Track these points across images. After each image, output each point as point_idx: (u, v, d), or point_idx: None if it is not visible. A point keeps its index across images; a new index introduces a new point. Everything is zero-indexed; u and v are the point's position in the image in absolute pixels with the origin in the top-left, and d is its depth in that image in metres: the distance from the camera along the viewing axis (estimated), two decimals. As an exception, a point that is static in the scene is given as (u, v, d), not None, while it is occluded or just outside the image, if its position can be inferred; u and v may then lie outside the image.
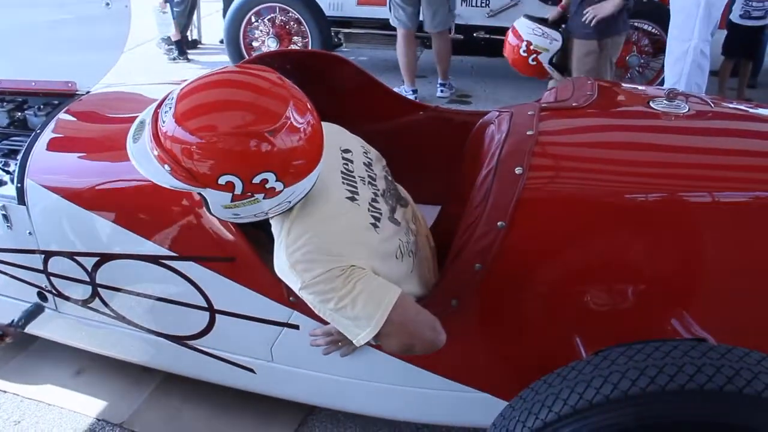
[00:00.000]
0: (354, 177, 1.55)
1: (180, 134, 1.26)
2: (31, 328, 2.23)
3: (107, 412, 2.18)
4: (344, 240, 1.43)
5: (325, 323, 1.71)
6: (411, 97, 4.83)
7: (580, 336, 1.57)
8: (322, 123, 1.39)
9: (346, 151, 1.62)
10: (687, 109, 1.69)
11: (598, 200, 1.51)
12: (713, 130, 1.69)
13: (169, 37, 6.54)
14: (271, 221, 1.47)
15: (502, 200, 1.49)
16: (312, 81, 2.28)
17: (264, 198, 1.31)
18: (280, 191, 1.31)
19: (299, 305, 1.71)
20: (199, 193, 1.33)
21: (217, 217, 1.43)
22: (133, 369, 2.28)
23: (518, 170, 1.50)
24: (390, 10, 4.89)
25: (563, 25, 3.96)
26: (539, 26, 3.89)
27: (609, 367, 1.20)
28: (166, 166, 1.29)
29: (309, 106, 1.34)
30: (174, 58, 6.51)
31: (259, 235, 1.81)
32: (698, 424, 1.13)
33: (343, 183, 1.51)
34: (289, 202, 1.36)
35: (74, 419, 2.16)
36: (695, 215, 1.50)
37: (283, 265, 1.40)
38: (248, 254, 1.70)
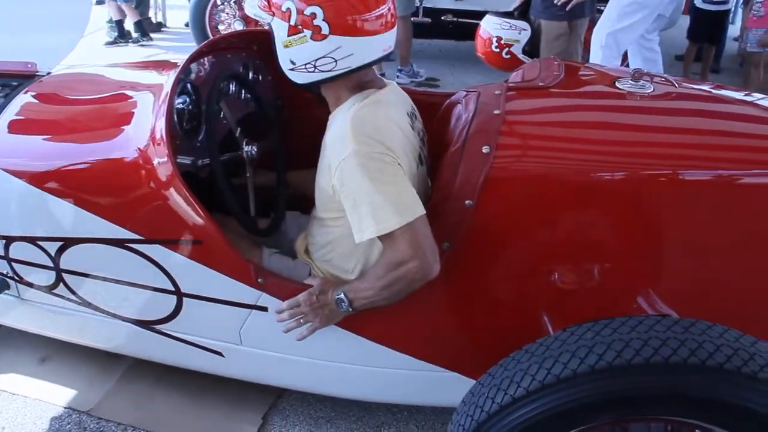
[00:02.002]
0: (415, 126, 1.69)
1: None
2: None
3: (74, 400, 2.15)
4: (402, 147, 1.54)
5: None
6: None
7: (548, 314, 1.59)
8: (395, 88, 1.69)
9: (414, 108, 1.76)
10: (652, 89, 1.70)
11: (564, 179, 1.52)
12: (677, 110, 1.71)
13: (116, 21, 6.30)
14: (335, 97, 1.62)
15: (469, 179, 1.50)
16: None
17: (311, 38, 1.48)
18: (326, 36, 1.47)
19: (267, 287, 1.70)
20: (271, 29, 1.55)
21: (284, 70, 1.59)
22: (100, 355, 2.24)
23: (485, 149, 1.50)
24: None
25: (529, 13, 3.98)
26: (506, 20, 3.94)
27: (576, 342, 1.21)
28: None
29: None
30: (135, 40, 6.31)
31: (227, 220, 1.79)
32: (663, 397, 1.16)
33: (407, 117, 1.66)
34: (335, 61, 1.50)
35: (39, 408, 2.12)
36: (660, 194, 1.52)
37: (343, 128, 1.50)
38: (216, 237, 1.68)
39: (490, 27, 4.03)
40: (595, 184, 1.52)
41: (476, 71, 5.31)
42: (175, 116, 1.79)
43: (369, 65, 1.57)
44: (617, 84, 1.73)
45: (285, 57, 1.56)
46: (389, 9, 1.53)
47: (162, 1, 7.12)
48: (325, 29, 1.46)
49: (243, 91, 2.12)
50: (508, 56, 3.99)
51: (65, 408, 2.12)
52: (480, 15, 4.46)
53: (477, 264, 1.58)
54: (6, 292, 2.09)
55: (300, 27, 1.48)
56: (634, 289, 1.56)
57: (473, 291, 1.62)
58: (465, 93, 1.77)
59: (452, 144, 1.58)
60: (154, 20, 6.96)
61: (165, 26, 7.06)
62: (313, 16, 1.45)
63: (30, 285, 2.03)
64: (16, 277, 2.04)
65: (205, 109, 1.85)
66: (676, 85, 1.77)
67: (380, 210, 1.43)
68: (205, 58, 2.03)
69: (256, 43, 2.23)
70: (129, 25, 6.41)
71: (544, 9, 3.72)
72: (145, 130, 1.73)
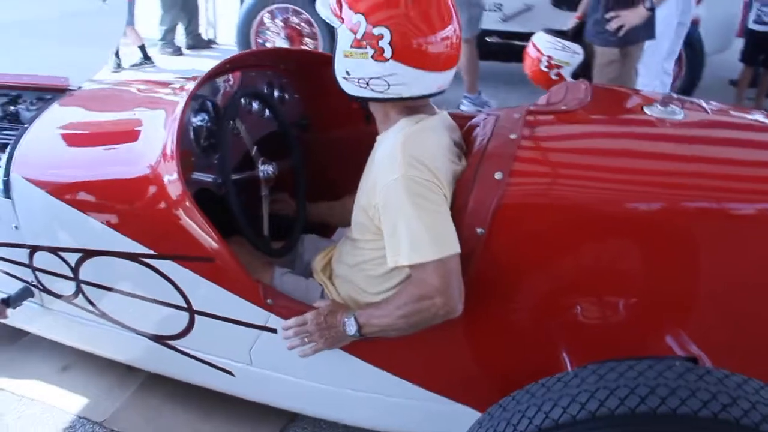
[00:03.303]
0: (461, 157, 1.63)
1: None
2: (20, 322, 2.23)
3: (89, 410, 2.16)
4: (448, 177, 1.50)
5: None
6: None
7: (566, 349, 1.52)
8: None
9: (461, 138, 1.69)
10: (682, 116, 1.61)
11: (581, 209, 1.45)
12: (708, 138, 1.61)
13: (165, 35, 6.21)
14: (383, 115, 1.60)
15: (481, 206, 1.44)
16: (306, 80, 2.26)
17: (372, 57, 1.47)
18: (387, 59, 1.46)
19: (276, 308, 1.67)
20: (336, 34, 1.54)
21: (336, 77, 1.58)
22: (118, 367, 2.25)
23: (498, 175, 1.44)
24: None
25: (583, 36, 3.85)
26: (559, 40, 3.79)
27: (579, 386, 1.14)
28: None
29: (455, 19, 1.53)
30: (136, 64, 6.12)
31: (238, 239, 1.77)
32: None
33: (456, 148, 1.62)
34: (387, 85, 1.49)
35: (55, 415, 2.14)
36: (684, 226, 1.43)
37: (393, 150, 1.47)
38: (227, 255, 1.66)
39: (541, 44, 3.87)
40: (612, 214, 1.44)
41: (520, 92, 5.20)
42: (192, 133, 1.79)
43: (419, 98, 1.55)
44: (645, 109, 1.63)
45: (342, 66, 1.55)
46: (455, 31, 1.52)
47: (214, 16, 7.21)
48: (388, 53, 1.46)
49: (266, 110, 2.11)
50: (557, 78, 3.84)
51: (80, 417, 2.14)
52: (526, 37, 4.37)
53: (490, 294, 1.51)
54: (30, 299, 2.12)
55: (364, 43, 1.48)
56: (662, 328, 1.47)
57: (486, 322, 1.55)
58: (485, 116, 1.71)
59: (466, 169, 1.53)
60: (204, 36, 7.05)
61: (215, 43, 7.14)
62: (380, 36, 1.45)
63: (52, 294, 2.06)
64: (40, 286, 2.07)
65: (217, 126, 1.85)
66: (709, 112, 1.67)
67: (418, 239, 1.40)
68: (230, 75, 2.03)
69: (284, 62, 2.22)
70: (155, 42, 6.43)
71: (596, 34, 3.55)
72: (158, 146, 1.73)
